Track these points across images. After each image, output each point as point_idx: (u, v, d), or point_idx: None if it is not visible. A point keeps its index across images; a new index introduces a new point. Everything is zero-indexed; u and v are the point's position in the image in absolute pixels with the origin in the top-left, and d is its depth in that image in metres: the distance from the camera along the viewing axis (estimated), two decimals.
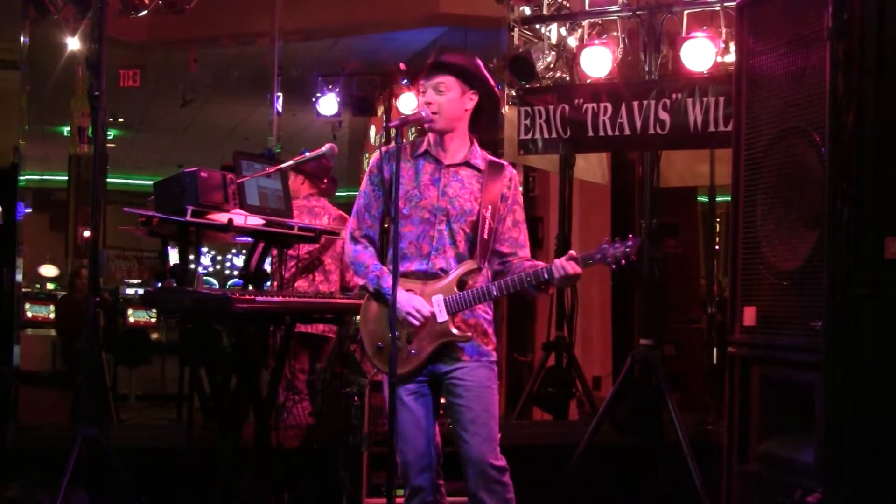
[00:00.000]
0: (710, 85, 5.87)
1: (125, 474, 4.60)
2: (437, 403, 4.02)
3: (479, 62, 4.02)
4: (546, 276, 3.79)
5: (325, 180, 6.51)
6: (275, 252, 5.62)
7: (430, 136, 4.01)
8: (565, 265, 3.76)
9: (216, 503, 4.56)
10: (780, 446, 4.20)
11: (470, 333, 3.89)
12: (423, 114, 3.93)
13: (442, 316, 3.84)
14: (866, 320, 3.67)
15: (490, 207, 3.91)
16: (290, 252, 6.16)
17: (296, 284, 6.25)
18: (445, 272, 3.90)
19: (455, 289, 3.86)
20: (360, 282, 4.05)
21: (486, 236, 3.89)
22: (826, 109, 3.75)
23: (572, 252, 3.83)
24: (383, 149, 4.05)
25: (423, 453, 3.92)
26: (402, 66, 3.91)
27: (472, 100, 3.96)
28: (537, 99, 6.47)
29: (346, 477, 5.27)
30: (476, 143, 4.05)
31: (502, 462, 3.87)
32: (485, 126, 4.12)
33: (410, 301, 3.84)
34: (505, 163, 4.09)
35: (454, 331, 3.85)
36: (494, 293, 3.84)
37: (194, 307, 4.36)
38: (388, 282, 3.84)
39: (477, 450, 3.83)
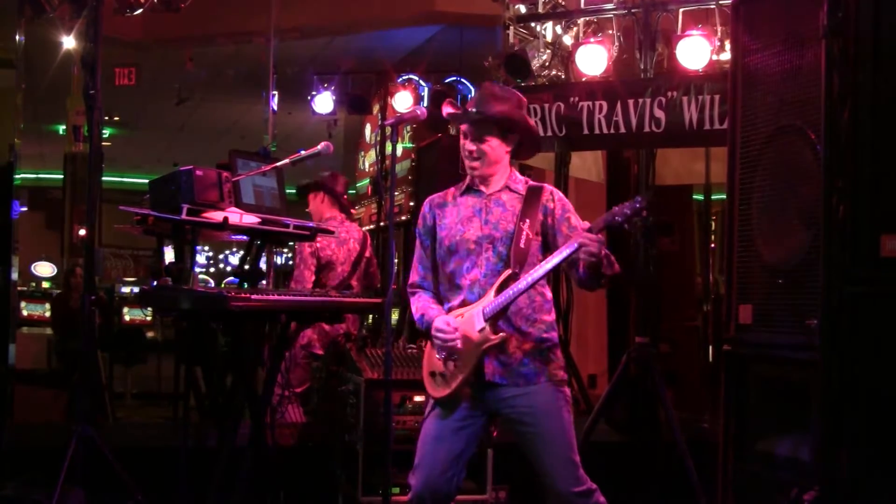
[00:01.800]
0: (706, 83, 5.87)
1: (121, 472, 4.61)
2: (486, 433, 3.97)
3: (522, 104, 4.00)
4: (568, 251, 3.63)
5: (345, 196, 6.63)
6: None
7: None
8: (582, 252, 3.61)
9: (212, 501, 4.55)
10: (777, 444, 4.21)
11: (504, 333, 3.77)
12: (419, 112, 3.95)
13: (479, 324, 3.76)
14: (862, 318, 3.68)
15: (528, 221, 3.85)
16: (324, 280, 6.28)
17: None
18: None
19: (492, 295, 3.78)
20: (420, 327, 4.01)
21: (522, 245, 3.82)
22: (821, 107, 3.76)
23: (585, 223, 3.74)
24: (428, 200, 4.08)
25: (444, 486, 3.80)
26: (447, 106, 3.77)
27: (512, 141, 3.97)
28: (533, 97, 6.46)
29: (343, 475, 5.27)
30: (514, 171, 4.05)
31: (585, 486, 3.79)
32: (524, 155, 4.15)
33: (441, 322, 3.81)
34: (545, 185, 4.05)
35: (491, 336, 3.75)
36: (521, 287, 3.73)
37: (190, 306, 4.35)
38: (429, 314, 3.88)
39: (554, 477, 3.75)
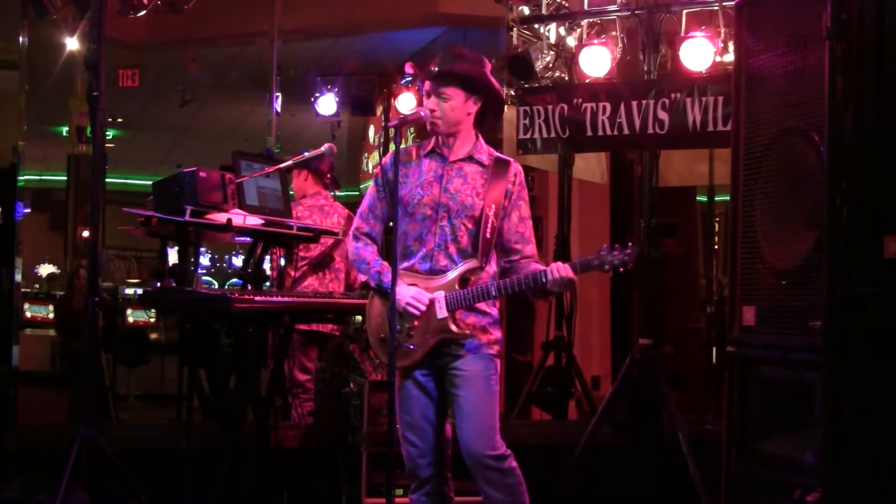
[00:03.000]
0: (709, 84, 5.87)
1: (124, 474, 4.61)
2: (446, 397, 4.04)
3: (486, 65, 4.02)
4: (543, 279, 3.80)
5: (329, 175, 6.55)
6: (281, 252, 5.66)
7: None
8: (559, 268, 3.77)
9: (215, 503, 4.56)
10: (780, 446, 4.21)
11: (469, 331, 3.90)
12: (423, 114, 3.95)
13: (442, 312, 3.86)
14: (865, 319, 3.68)
15: (493, 206, 3.92)
16: (302, 253, 6.22)
17: (306, 282, 6.27)
18: (448, 269, 3.91)
19: (456, 286, 3.87)
20: (363, 278, 4.08)
21: (488, 235, 3.90)
22: (825, 109, 3.76)
23: (566, 266, 3.82)
24: (391, 152, 4.06)
25: (433, 446, 3.96)
26: (408, 66, 3.78)
27: (476, 103, 3.98)
28: (536, 99, 6.47)
29: (346, 477, 5.26)
30: (481, 139, 4.07)
31: (500, 451, 3.86)
32: (489, 124, 4.16)
33: (409, 292, 3.86)
34: (511, 160, 4.08)
35: (453, 328, 3.87)
36: (493, 293, 3.86)
37: (193, 307, 4.36)
38: (388, 277, 3.88)
39: (470, 439, 3.85)
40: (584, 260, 3.82)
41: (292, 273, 6.25)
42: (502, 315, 4.09)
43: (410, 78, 4.10)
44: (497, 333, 4.01)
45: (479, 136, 4.07)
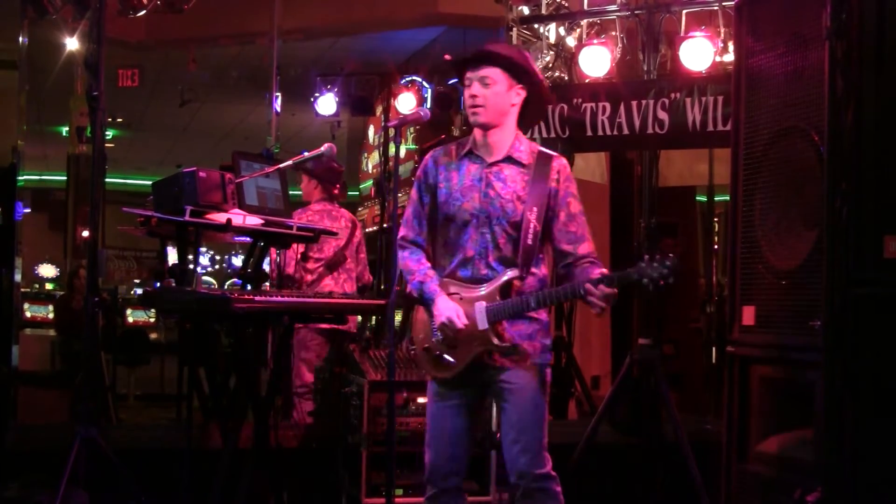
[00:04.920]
0: (709, 84, 5.86)
1: (124, 474, 4.61)
2: (481, 411, 3.98)
3: (528, 54, 3.91)
4: (582, 292, 3.63)
5: (337, 185, 6.59)
6: (296, 251, 5.68)
7: (476, 133, 3.88)
8: (594, 291, 3.60)
9: (215, 503, 4.56)
10: (780, 445, 4.20)
11: (515, 340, 3.78)
12: (423, 114, 3.92)
13: (483, 324, 3.73)
14: (865, 319, 3.67)
15: (535, 210, 3.77)
16: (316, 255, 6.29)
17: (323, 283, 6.33)
18: (489, 277, 3.78)
19: (497, 297, 3.75)
20: (409, 288, 3.93)
21: (529, 242, 3.75)
22: (825, 109, 3.76)
23: (604, 271, 3.69)
24: (430, 154, 3.97)
25: (457, 460, 3.85)
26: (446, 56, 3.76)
27: (519, 94, 3.83)
28: None
29: (346, 476, 5.27)
30: (521, 136, 3.91)
31: (545, 469, 3.77)
32: (530, 120, 4.01)
33: (449, 310, 3.74)
34: (554, 154, 3.90)
35: (495, 340, 3.73)
36: (532, 305, 3.72)
37: (193, 307, 4.36)
38: (429, 287, 3.80)
39: (517, 456, 3.75)
40: (623, 274, 3.64)
41: (308, 277, 6.32)
42: None
43: (450, 63, 3.94)
44: (546, 340, 3.87)
45: (519, 133, 3.91)
